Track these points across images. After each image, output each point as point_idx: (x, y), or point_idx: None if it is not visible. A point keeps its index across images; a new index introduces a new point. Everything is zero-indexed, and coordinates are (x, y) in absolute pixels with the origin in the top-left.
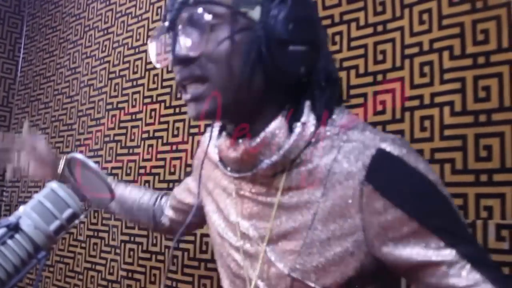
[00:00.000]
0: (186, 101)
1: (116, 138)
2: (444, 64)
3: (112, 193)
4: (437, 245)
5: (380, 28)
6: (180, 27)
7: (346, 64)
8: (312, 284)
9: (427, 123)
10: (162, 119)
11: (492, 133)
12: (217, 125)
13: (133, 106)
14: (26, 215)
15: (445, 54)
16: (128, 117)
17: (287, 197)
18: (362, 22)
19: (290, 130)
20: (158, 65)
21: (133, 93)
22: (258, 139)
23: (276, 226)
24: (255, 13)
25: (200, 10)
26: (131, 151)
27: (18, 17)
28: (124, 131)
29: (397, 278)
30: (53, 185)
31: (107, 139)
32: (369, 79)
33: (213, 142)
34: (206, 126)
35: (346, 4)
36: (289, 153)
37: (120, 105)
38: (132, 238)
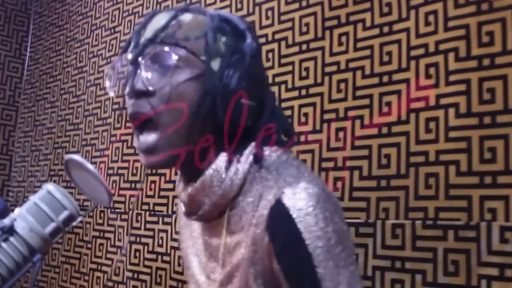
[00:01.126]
0: (139, 150)
1: (123, 138)
2: (449, 66)
3: (109, 194)
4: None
5: (386, 29)
6: (142, 61)
7: (352, 65)
8: None
9: (432, 125)
10: None
11: (497, 135)
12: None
13: None
14: (21, 217)
15: (451, 55)
16: None
17: (228, 239)
18: (368, 23)
19: (227, 171)
20: (111, 94)
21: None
22: (197, 184)
23: (224, 268)
24: (215, 64)
25: (167, 49)
26: (137, 151)
27: (25, 15)
28: (130, 130)
29: None
30: (49, 186)
31: (113, 138)
32: (375, 80)
33: None
34: None
35: (353, 5)
36: (227, 193)
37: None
38: (138, 239)
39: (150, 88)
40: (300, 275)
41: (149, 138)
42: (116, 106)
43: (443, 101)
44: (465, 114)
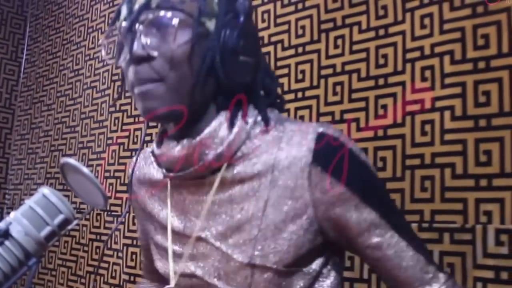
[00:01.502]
0: (137, 96)
1: (119, 140)
2: (445, 69)
3: (105, 198)
4: (372, 217)
5: (382, 32)
6: (140, 27)
7: (348, 68)
8: (274, 266)
9: (428, 128)
10: None
11: (492, 138)
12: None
13: (136, 108)
14: (17, 221)
15: (446, 58)
16: (131, 120)
17: (235, 189)
18: (364, 26)
19: (231, 127)
20: (110, 62)
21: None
22: (202, 135)
23: (226, 221)
24: (211, 24)
25: (168, 13)
26: (134, 153)
27: (21, 18)
28: (127, 133)
29: (340, 251)
30: (45, 190)
31: (109, 141)
32: (371, 83)
33: (144, 158)
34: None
35: (349, 7)
36: (233, 144)
37: (123, 108)
38: (134, 242)
39: (153, 53)
40: (375, 194)
41: (153, 85)
42: (112, 109)
43: (439, 103)
44: (461, 117)
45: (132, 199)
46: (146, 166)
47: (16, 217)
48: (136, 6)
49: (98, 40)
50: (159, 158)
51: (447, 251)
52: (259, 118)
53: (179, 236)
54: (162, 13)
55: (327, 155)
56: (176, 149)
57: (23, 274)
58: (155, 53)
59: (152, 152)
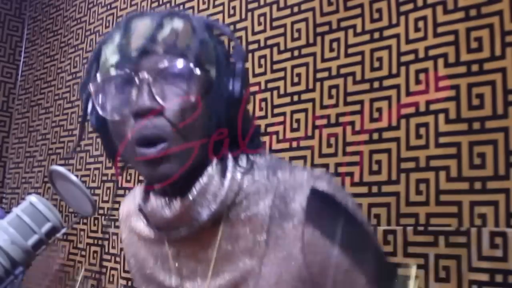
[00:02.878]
0: (146, 161)
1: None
2: (439, 72)
3: (93, 205)
4: (362, 282)
5: (376, 35)
6: (147, 76)
7: (343, 71)
8: None
9: (422, 131)
10: None
11: (486, 140)
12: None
13: None
14: (3, 229)
15: (440, 61)
16: None
17: (228, 247)
18: (359, 29)
19: (221, 178)
20: (116, 118)
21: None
22: (195, 192)
23: (221, 280)
24: (213, 71)
25: (174, 60)
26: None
27: (19, 20)
28: None
29: None
30: (32, 198)
31: None
32: (366, 86)
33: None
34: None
35: (344, 11)
36: (226, 200)
37: None
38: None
39: (164, 105)
40: (366, 256)
41: (165, 146)
42: None
43: (433, 106)
44: (455, 119)
45: (124, 236)
46: (134, 219)
47: (3, 226)
48: (134, 51)
49: (96, 43)
50: (148, 215)
51: (442, 254)
52: (247, 164)
53: None
54: (172, 60)
55: (319, 214)
56: (167, 211)
57: (10, 282)
58: (168, 105)
59: (139, 207)
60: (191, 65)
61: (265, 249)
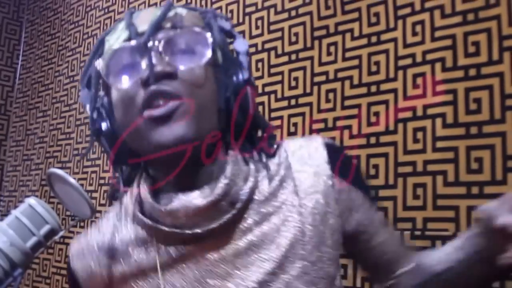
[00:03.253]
0: (156, 119)
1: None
2: (436, 76)
3: (91, 208)
4: (380, 217)
5: (374, 39)
6: (158, 44)
7: (340, 75)
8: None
9: (420, 135)
10: None
11: (483, 145)
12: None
13: None
14: (2, 231)
15: (437, 65)
16: None
17: (258, 231)
18: (356, 33)
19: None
20: (120, 85)
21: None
22: (228, 174)
23: (263, 265)
24: (219, 54)
25: (184, 31)
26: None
27: (17, 23)
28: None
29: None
30: (31, 200)
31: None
32: (363, 90)
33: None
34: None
35: (341, 14)
36: (256, 184)
37: None
38: None
39: (174, 70)
40: (370, 195)
41: (176, 103)
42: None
43: (430, 111)
44: (452, 124)
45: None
46: (108, 234)
47: (2, 228)
48: (144, 27)
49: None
50: (168, 215)
51: None
52: (263, 157)
53: None
54: (182, 31)
55: (342, 165)
56: (199, 200)
57: (9, 284)
58: (181, 68)
59: (136, 215)
60: (198, 36)
61: (303, 211)
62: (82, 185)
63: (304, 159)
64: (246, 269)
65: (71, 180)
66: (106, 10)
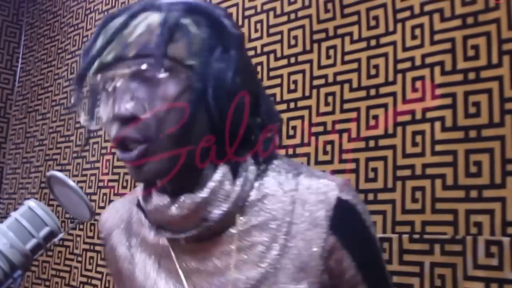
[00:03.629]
0: (129, 161)
1: (113, 150)
2: (435, 79)
3: (91, 210)
4: None
5: (373, 42)
6: (120, 83)
7: (339, 78)
8: None
9: (418, 139)
10: None
11: (482, 149)
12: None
13: None
14: (2, 233)
15: (437, 69)
16: None
17: (244, 254)
18: (356, 36)
19: (234, 178)
20: (92, 127)
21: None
22: (206, 190)
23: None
24: (200, 64)
25: (145, 63)
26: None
27: (17, 26)
28: None
29: None
30: (31, 203)
31: (104, 151)
32: (363, 93)
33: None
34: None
35: (341, 18)
36: (239, 200)
37: None
38: None
39: (136, 113)
40: (375, 274)
41: (143, 147)
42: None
43: (429, 114)
44: (451, 127)
45: (107, 251)
46: (132, 219)
47: (2, 230)
48: (109, 57)
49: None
50: (150, 215)
51: (437, 263)
52: (262, 166)
53: None
54: (144, 64)
55: (344, 225)
56: (173, 208)
57: (9, 286)
58: (138, 113)
59: (138, 205)
60: (166, 64)
61: (284, 255)
62: (81, 187)
63: (310, 202)
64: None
65: (71, 182)
66: (105, 13)
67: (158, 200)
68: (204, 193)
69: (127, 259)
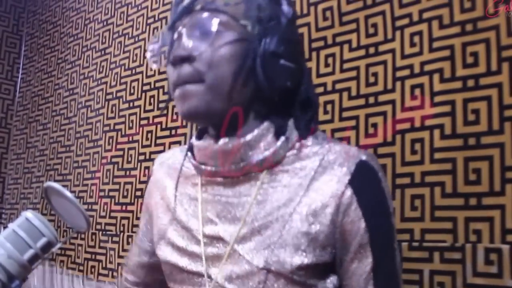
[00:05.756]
0: (178, 97)
1: (113, 160)
2: (434, 87)
3: (87, 221)
4: (367, 261)
5: (372, 50)
6: (183, 29)
7: (338, 86)
8: (290, 275)
9: (417, 146)
10: (158, 141)
11: (481, 156)
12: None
13: (130, 128)
14: (0, 244)
15: (436, 76)
16: (125, 139)
17: (264, 194)
18: (354, 44)
19: (276, 136)
20: (154, 66)
21: (130, 114)
22: (250, 136)
23: (249, 223)
24: (254, 28)
25: (207, 15)
26: (128, 173)
27: (17, 37)
28: (121, 153)
29: None
30: (28, 214)
31: (104, 161)
32: (361, 101)
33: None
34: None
35: (339, 25)
36: (277, 153)
37: (117, 127)
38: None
39: (193, 53)
40: (383, 241)
41: (193, 85)
42: (107, 128)
43: (428, 122)
44: (450, 135)
45: (152, 181)
46: (180, 156)
47: (0, 241)
48: (180, 8)
49: (93, 59)
50: (198, 149)
51: (437, 270)
52: (305, 130)
53: (193, 234)
54: (204, 15)
55: (362, 183)
56: (220, 143)
57: None
58: (195, 53)
59: (190, 145)
60: (223, 18)
61: (301, 200)
62: (82, 197)
63: (336, 161)
64: (230, 221)
65: (67, 194)
66: (104, 23)
67: (207, 140)
68: (246, 138)
69: (170, 191)
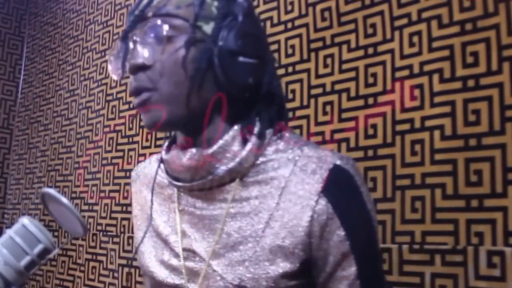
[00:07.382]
0: (137, 107)
1: (114, 161)
2: (434, 87)
3: (84, 226)
4: (350, 270)
5: (371, 50)
6: (137, 38)
7: (337, 87)
8: None
9: (418, 147)
10: (158, 142)
11: (482, 157)
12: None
13: (130, 129)
14: None
15: (435, 77)
16: (125, 140)
17: (237, 207)
18: (353, 45)
19: (244, 141)
20: (114, 77)
21: (130, 115)
22: (215, 147)
23: (224, 238)
24: (209, 27)
25: (158, 21)
26: (128, 174)
27: (19, 38)
28: (121, 154)
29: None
30: (25, 220)
31: (104, 161)
32: (361, 102)
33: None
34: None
35: (338, 26)
36: (245, 161)
37: (117, 128)
38: (129, 262)
39: (146, 62)
40: (365, 246)
41: (148, 95)
42: (107, 129)
43: (428, 123)
44: (451, 136)
45: (132, 192)
46: (153, 169)
47: None
48: (132, 17)
49: (93, 60)
50: (167, 164)
51: (438, 273)
52: (271, 134)
53: (171, 247)
54: (156, 21)
55: (336, 190)
56: (184, 158)
57: None
58: (149, 62)
59: (161, 158)
60: (176, 22)
61: (274, 212)
62: (82, 198)
63: (308, 168)
64: (205, 235)
65: (64, 200)
66: (105, 24)
67: (174, 151)
68: (212, 149)
69: (148, 202)
